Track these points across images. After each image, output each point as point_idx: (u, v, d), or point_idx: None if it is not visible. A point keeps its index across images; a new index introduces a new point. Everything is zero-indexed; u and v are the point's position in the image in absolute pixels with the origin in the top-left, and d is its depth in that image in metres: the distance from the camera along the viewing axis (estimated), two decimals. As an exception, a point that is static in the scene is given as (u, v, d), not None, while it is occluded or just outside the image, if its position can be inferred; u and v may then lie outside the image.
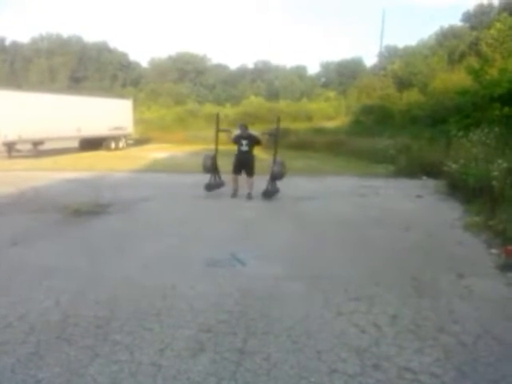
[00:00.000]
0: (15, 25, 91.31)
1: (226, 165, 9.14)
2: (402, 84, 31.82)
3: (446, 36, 41.61)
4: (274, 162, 8.65)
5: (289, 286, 4.11)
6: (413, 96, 26.37)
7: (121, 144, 22.04)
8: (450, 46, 37.12)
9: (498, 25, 24.09)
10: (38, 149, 17.57)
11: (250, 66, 65.75)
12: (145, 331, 3.19)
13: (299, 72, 62.47)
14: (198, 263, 4.70)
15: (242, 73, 63.82)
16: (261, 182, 8.62)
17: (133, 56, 74.26)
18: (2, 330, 3.20)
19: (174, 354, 2.89)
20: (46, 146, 18.22)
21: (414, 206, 8.28)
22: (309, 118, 32.75)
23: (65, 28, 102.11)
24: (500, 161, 7.55)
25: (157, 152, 19.63)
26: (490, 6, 40.23)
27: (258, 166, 8.94)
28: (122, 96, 28.92)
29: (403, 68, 34.56)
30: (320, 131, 23.27)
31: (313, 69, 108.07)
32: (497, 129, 10.54)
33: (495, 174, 7.20)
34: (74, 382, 2.60)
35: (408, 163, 12.38)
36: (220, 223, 6.72)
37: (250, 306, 3.63)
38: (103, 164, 14.38)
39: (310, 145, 20.11)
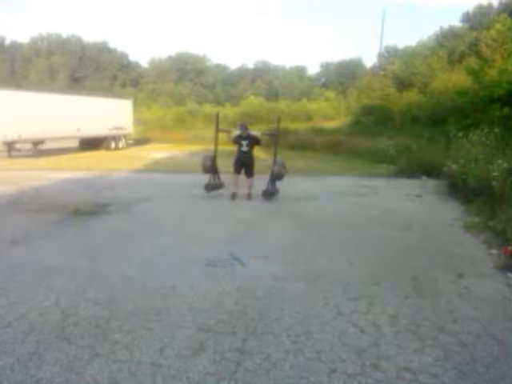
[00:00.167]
0: (15, 24, 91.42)
1: (225, 165, 9.14)
2: (402, 84, 31.87)
3: (446, 36, 41.66)
4: (274, 162, 8.65)
5: (288, 285, 4.11)
6: (412, 96, 26.41)
7: (121, 144, 22.04)
8: (450, 47, 37.18)
9: (498, 26, 24.07)
10: (37, 148, 17.57)
11: (250, 66, 65.97)
12: (144, 331, 3.19)
13: (299, 72, 62.52)
14: (198, 263, 4.70)
15: (242, 73, 63.87)
16: (261, 182, 8.62)
17: (133, 56, 74.74)
18: (2, 329, 3.19)
19: (173, 354, 2.89)
20: (46, 146, 18.21)
21: (413, 205, 8.28)
22: (309, 118, 32.76)
23: (64, 28, 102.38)
24: (500, 161, 7.57)
25: (156, 152, 19.63)
26: (490, 6, 40.31)
27: (257, 166, 8.95)
28: (121, 96, 28.87)
29: (403, 68, 34.60)
30: (320, 131, 23.27)
31: (312, 69, 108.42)
32: (496, 129, 10.55)
33: (495, 174, 7.21)
34: (74, 381, 2.60)
35: (408, 163, 12.41)
36: (220, 223, 6.71)
37: (250, 306, 3.63)
38: (103, 164, 14.38)
39: (309, 145, 20.14)
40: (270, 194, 8.53)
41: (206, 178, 8.92)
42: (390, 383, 2.62)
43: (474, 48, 29.71)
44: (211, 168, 8.76)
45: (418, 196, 9.15)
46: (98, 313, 3.46)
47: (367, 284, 4.16)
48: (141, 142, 25.35)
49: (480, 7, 42.26)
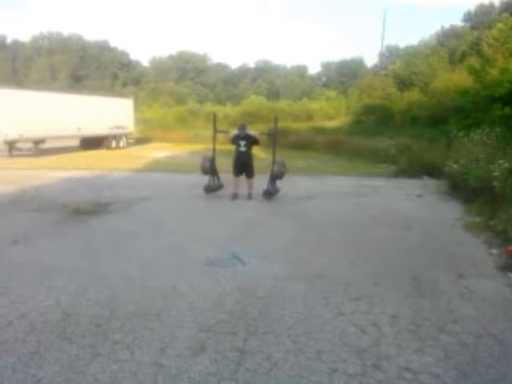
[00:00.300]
0: (16, 23, 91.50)
1: (225, 164, 9.13)
2: (403, 84, 31.85)
3: (447, 36, 41.62)
4: (274, 161, 8.64)
5: (289, 285, 4.11)
6: (414, 96, 26.39)
7: (121, 143, 22.03)
8: (451, 46, 37.15)
9: (499, 25, 24.07)
10: (38, 147, 17.57)
11: (251, 65, 65.92)
12: (145, 330, 3.19)
13: (300, 71, 62.44)
14: (198, 262, 4.70)
15: (243, 72, 63.84)
16: (261, 182, 8.61)
17: (134, 55, 74.79)
18: (3, 328, 3.20)
19: (174, 354, 2.89)
20: (47, 145, 18.21)
21: (414, 205, 8.27)
22: (309, 118, 32.74)
23: (66, 27, 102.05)
24: (501, 161, 7.56)
25: (157, 151, 19.63)
26: (491, 6, 40.25)
27: (257, 165, 8.94)
28: (122, 95, 28.89)
29: (404, 68, 34.58)
30: (321, 131, 23.25)
31: (313, 68, 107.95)
32: (498, 129, 10.53)
33: (496, 174, 7.20)
34: (75, 380, 2.61)
35: (409, 163, 12.40)
36: (220, 223, 6.71)
37: (251, 306, 3.63)
38: (104, 163, 14.38)
39: (310, 144, 20.11)
40: (270, 193, 8.53)
41: (206, 178, 8.90)
42: (390, 383, 2.63)
43: (475, 47, 29.70)
44: (210, 169, 8.74)
45: (419, 196, 9.14)
46: (98, 312, 3.47)
47: (368, 284, 4.16)
48: (141, 141, 25.35)
49: (481, 6, 42.23)
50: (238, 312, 3.51)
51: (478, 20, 40.49)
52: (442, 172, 10.11)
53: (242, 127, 8.62)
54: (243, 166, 8.62)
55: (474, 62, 17.74)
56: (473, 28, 39.08)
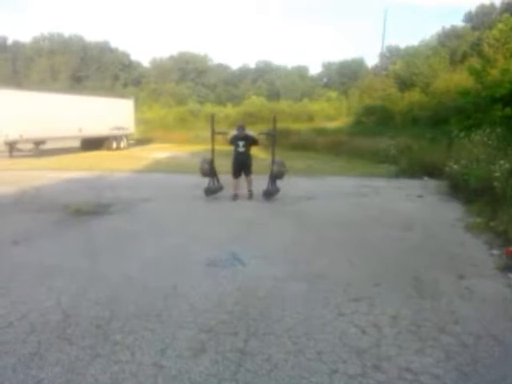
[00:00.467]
0: (17, 24, 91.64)
1: (224, 165, 9.12)
2: (404, 84, 31.84)
3: (448, 36, 41.64)
4: (273, 161, 8.65)
5: (289, 286, 4.11)
6: (414, 96, 26.37)
7: (122, 144, 22.07)
8: (452, 47, 37.16)
9: (500, 25, 24.02)
10: (39, 148, 17.59)
11: (252, 66, 65.95)
12: (146, 331, 3.19)
13: (301, 72, 62.45)
14: (199, 263, 4.70)
15: (244, 73, 63.88)
16: (261, 182, 8.61)
17: (134, 56, 74.62)
18: (3, 329, 3.20)
19: (175, 355, 2.89)
20: (48, 146, 18.24)
21: (415, 206, 8.26)
22: (310, 119, 32.77)
23: (66, 27, 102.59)
24: (502, 162, 7.54)
25: (158, 152, 19.65)
26: (492, 6, 40.25)
27: (257, 165, 8.95)
28: (123, 96, 28.91)
29: (405, 68, 34.57)
30: (321, 131, 23.25)
31: (314, 69, 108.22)
32: (498, 129, 10.52)
33: (497, 174, 7.19)
34: (75, 381, 2.61)
35: (409, 163, 12.38)
36: (220, 223, 6.72)
37: (251, 306, 3.63)
38: (104, 164, 14.40)
39: (311, 145, 20.11)
40: (270, 193, 8.53)
41: (206, 179, 8.90)
42: (390, 384, 2.62)
43: (476, 48, 29.69)
44: (209, 171, 8.73)
45: (420, 196, 9.13)
46: (99, 313, 3.47)
47: (368, 284, 4.16)
48: (142, 141, 25.38)
49: (482, 7, 42.26)
50: (238, 312, 3.51)
51: (479, 20, 40.51)
52: (442, 172, 10.10)
53: (241, 128, 8.63)
54: (242, 166, 8.62)
55: (475, 62, 17.73)
56: (473, 28, 39.10)
